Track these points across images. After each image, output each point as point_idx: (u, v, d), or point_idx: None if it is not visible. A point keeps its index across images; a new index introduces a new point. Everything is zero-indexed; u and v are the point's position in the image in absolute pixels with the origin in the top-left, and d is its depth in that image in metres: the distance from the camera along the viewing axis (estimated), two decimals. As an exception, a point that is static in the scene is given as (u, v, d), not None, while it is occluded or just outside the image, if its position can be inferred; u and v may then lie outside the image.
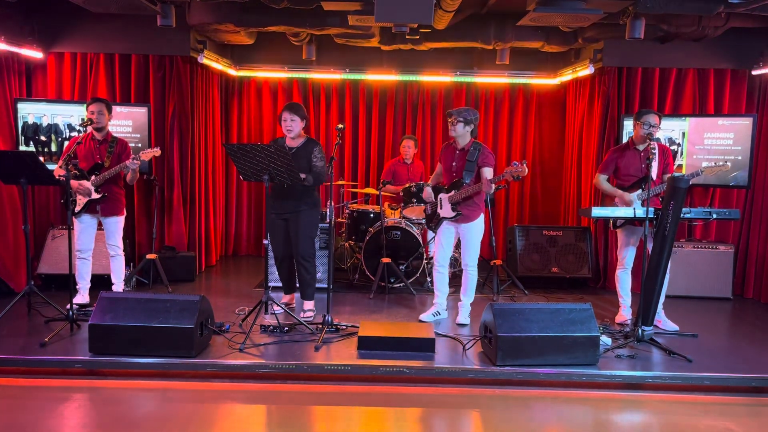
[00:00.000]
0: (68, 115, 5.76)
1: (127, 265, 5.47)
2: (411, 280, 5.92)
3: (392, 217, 6.07)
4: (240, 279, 6.40)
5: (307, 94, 7.52)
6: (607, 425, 3.49)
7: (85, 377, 3.86)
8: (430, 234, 6.07)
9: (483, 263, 5.72)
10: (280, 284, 5.13)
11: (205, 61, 6.17)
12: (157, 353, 3.92)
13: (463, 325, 4.82)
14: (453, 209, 4.77)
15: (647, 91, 6.15)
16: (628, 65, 6.11)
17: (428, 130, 7.63)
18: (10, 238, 5.43)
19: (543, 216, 7.68)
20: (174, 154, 6.16)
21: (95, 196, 4.84)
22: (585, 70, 6.32)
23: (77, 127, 5.68)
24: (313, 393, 3.79)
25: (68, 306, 4.35)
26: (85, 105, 4.92)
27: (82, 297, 5.00)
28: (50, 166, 4.80)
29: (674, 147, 5.91)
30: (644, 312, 4.41)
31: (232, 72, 7.22)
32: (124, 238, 5.22)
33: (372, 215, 6.21)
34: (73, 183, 4.78)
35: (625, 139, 5.68)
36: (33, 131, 5.72)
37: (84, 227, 4.93)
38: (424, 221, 5.51)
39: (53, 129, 5.76)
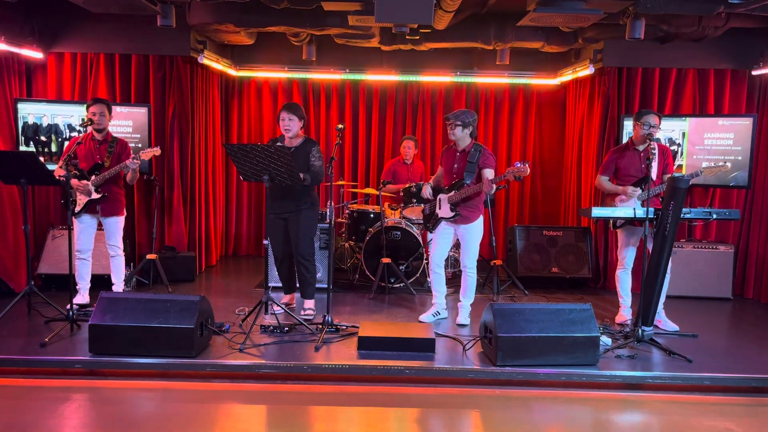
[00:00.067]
0: (68, 116, 5.76)
1: (127, 265, 5.47)
2: (411, 281, 5.93)
3: (392, 217, 6.07)
4: (240, 279, 6.40)
5: (307, 94, 7.52)
6: (607, 425, 3.49)
7: (85, 377, 3.87)
8: (430, 234, 6.06)
9: (483, 263, 5.73)
10: (280, 284, 5.13)
11: (205, 62, 6.17)
12: (157, 353, 3.92)
13: (463, 326, 4.82)
14: (452, 209, 4.77)
15: (647, 92, 6.15)
16: (628, 65, 6.12)
17: (428, 131, 7.63)
18: (10, 238, 5.43)
19: (543, 216, 7.68)
20: (174, 154, 6.16)
21: (95, 196, 4.85)
22: (585, 71, 6.32)
23: (77, 128, 5.68)
24: (313, 393, 3.79)
25: (68, 306, 4.35)
26: (86, 105, 4.92)
27: (82, 297, 5.00)
28: (50, 167, 4.80)
29: (674, 147, 5.91)
30: (644, 312, 4.41)
31: (232, 72, 7.22)
32: (124, 239, 5.22)
33: (372, 215, 6.21)
34: (74, 182, 4.78)
35: (625, 140, 5.68)
36: (33, 131, 5.73)
37: (84, 227, 4.93)
38: (422, 222, 5.51)
39: (53, 129, 5.76)
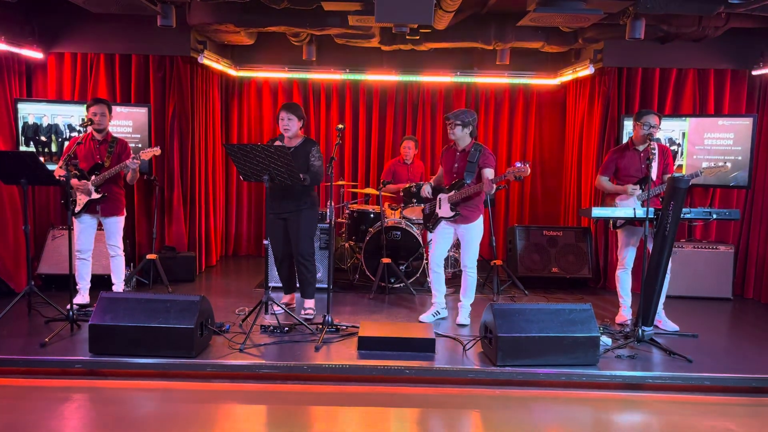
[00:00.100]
0: (68, 116, 5.76)
1: (128, 265, 5.47)
2: (411, 281, 5.93)
3: (392, 217, 6.07)
4: (240, 279, 6.40)
5: (308, 94, 7.52)
6: (608, 425, 3.49)
7: (85, 377, 3.87)
8: (430, 234, 6.06)
9: (483, 263, 5.73)
10: (280, 284, 5.13)
11: (206, 62, 6.17)
12: (157, 353, 3.92)
13: (463, 326, 4.82)
14: (452, 209, 4.77)
15: (647, 92, 6.15)
16: (628, 65, 6.12)
17: (428, 131, 7.63)
18: (10, 239, 5.43)
19: (543, 216, 7.68)
20: (174, 154, 6.16)
21: (95, 196, 4.85)
22: (585, 71, 6.32)
23: (77, 128, 5.68)
24: (313, 393, 3.79)
25: (68, 306, 4.35)
26: (86, 105, 4.92)
27: (82, 297, 5.00)
28: (50, 167, 4.80)
29: (674, 147, 5.91)
30: (644, 312, 4.41)
31: (233, 72, 7.22)
32: (124, 239, 5.22)
33: (372, 215, 6.21)
34: (74, 182, 4.78)
35: (625, 140, 5.68)
36: (33, 131, 5.73)
37: (84, 227, 4.93)
38: (422, 222, 5.51)
39: (53, 129, 5.76)
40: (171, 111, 6.12)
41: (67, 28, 5.93)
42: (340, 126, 4.58)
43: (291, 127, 4.68)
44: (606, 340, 4.33)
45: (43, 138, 5.74)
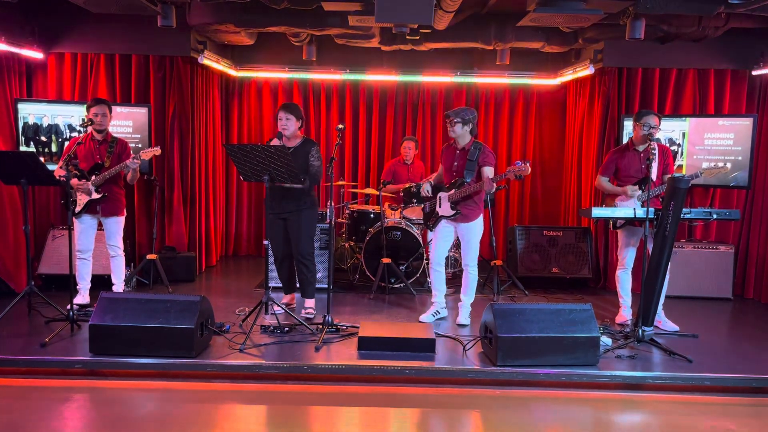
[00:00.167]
0: (69, 116, 5.76)
1: (128, 265, 5.47)
2: (411, 281, 5.92)
3: (392, 217, 6.07)
4: (240, 279, 6.40)
5: (308, 94, 7.52)
6: (608, 426, 3.49)
7: (85, 377, 3.87)
8: (430, 234, 6.06)
9: (483, 263, 5.73)
10: (281, 284, 5.13)
11: (206, 62, 6.17)
12: (157, 354, 3.92)
13: (463, 326, 4.82)
14: (452, 208, 4.77)
15: (647, 92, 6.15)
16: (628, 66, 6.11)
17: (428, 131, 7.63)
18: (10, 239, 5.43)
19: (543, 216, 7.68)
20: (174, 154, 6.16)
21: (95, 196, 4.85)
22: (585, 71, 6.32)
23: (77, 128, 5.68)
24: (314, 393, 3.79)
25: (68, 306, 4.35)
26: (86, 106, 4.92)
27: (82, 297, 5.00)
28: (51, 167, 4.80)
29: (674, 147, 5.91)
30: (644, 312, 4.41)
31: (233, 72, 7.22)
32: (125, 239, 5.22)
33: (372, 215, 6.21)
34: (74, 182, 4.78)
35: (625, 140, 5.68)
36: (33, 131, 5.73)
37: (84, 228, 4.94)
38: (423, 221, 5.51)
39: (54, 129, 5.76)
40: (171, 111, 6.12)
41: (67, 29, 5.93)
42: (340, 126, 4.58)
43: (289, 126, 4.68)
44: (606, 341, 4.33)
45: (43, 138, 5.75)
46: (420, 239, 5.91)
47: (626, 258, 4.89)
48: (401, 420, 3.49)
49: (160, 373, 3.89)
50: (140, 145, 5.79)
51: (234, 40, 6.49)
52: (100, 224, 5.04)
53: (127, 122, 5.86)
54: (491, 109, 7.61)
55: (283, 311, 4.83)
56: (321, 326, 4.45)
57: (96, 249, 5.07)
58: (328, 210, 4.48)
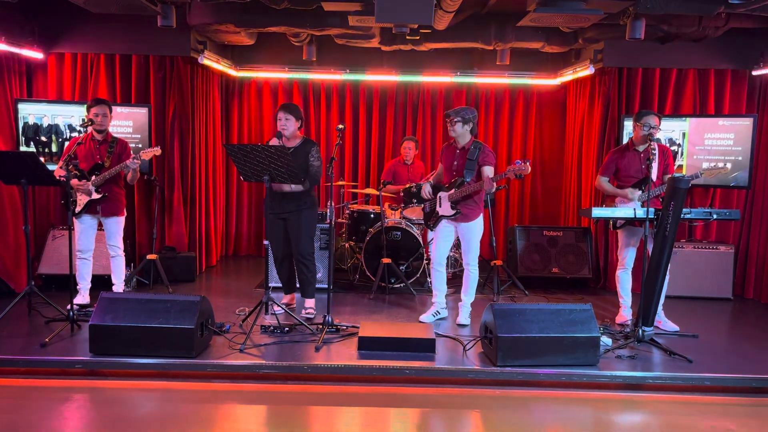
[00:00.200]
0: (69, 116, 5.76)
1: (128, 265, 5.47)
2: (411, 281, 5.92)
3: (392, 217, 6.08)
4: (240, 279, 6.40)
5: (308, 94, 7.52)
6: (608, 426, 3.49)
7: (85, 378, 3.87)
8: (430, 234, 6.06)
9: (483, 263, 5.72)
10: (281, 284, 5.13)
11: (206, 62, 6.17)
12: (157, 354, 3.92)
13: (463, 326, 4.82)
14: (452, 207, 4.77)
15: (647, 92, 6.15)
16: (628, 66, 6.11)
17: (428, 131, 7.63)
18: (10, 239, 5.43)
19: (543, 216, 7.68)
20: (174, 154, 6.16)
21: (96, 196, 4.85)
22: (585, 71, 6.32)
23: (78, 128, 5.68)
24: (314, 393, 3.79)
25: (68, 306, 4.35)
26: (87, 106, 4.92)
27: (82, 297, 5.00)
28: (51, 167, 4.80)
29: (674, 147, 5.91)
30: (644, 312, 4.41)
31: (233, 72, 7.22)
32: (125, 239, 5.22)
33: (372, 216, 6.21)
34: (74, 182, 4.78)
35: (625, 140, 5.68)
36: (33, 132, 5.73)
37: (84, 228, 4.94)
38: (423, 220, 5.51)
39: (54, 129, 5.76)
40: (171, 111, 6.12)
41: (67, 29, 5.93)
42: (341, 126, 4.59)
43: (288, 126, 4.69)
44: (606, 341, 4.33)
45: (43, 138, 5.75)
46: (420, 239, 5.91)
47: (626, 258, 4.89)
48: (401, 420, 3.49)
49: (160, 373, 3.89)
50: (140, 146, 5.79)
51: (234, 40, 6.50)
52: (100, 224, 5.04)
53: (127, 122, 5.86)
54: (491, 109, 7.61)
55: (283, 311, 4.83)
56: (321, 326, 4.45)
57: (96, 249, 5.07)
58: (328, 210, 4.49)
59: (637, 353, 4.21)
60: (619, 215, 4.61)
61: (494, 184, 4.60)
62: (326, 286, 4.79)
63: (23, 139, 5.70)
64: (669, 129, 5.88)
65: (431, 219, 5.00)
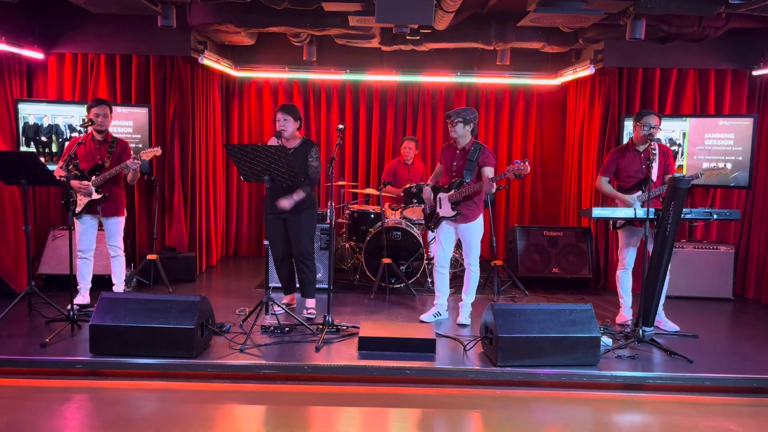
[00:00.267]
0: (69, 116, 5.76)
1: (128, 265, 5.47)
2: (411, 281, 5.92)
3: (393, 217, 6.07)
4: (240, 279, 6.40)
5: (308, 94, 7.52)
6: (608, 426, 3.49)
7: (85, 378, 3.87)
8: (430, 234, 6.07)
9: (483, 263, 5.72)
10: (281, 285, 5.13)
11: (206, 62, 6.17)
12: (157, 354, 3.92)
13: (463, 326, 4.82)
14: (453, 208, 4.77)
15: (648, 92, 6.15)
16: (628, 66, 6.11)
17: (428, 131, 7.63)
18: (10, 239, 5.43)
19: (543, 216, 7.68)
20: (174, 154, 6.16)
21: (96, 196, 4.85)
22: (585, 71, 6.32)
23: (78, 128, 5.68)
24: (314, 393, 3.79)
25: (69, 306, 4.36)
26: (87, 106, 4.92)
27: (82, 297, 5.00)
28: (51, 167, 4.80)
29: (675, 147, 5.91)
30: (645, 312, 4.40)
31: (233, 72, 7.22)
32: (125, 239, 5.22)
33: (372, 216, 6.21)
34: (74, 182, 4.78)
35: (625, 140, 5.68)
36: (34, 132, 5.73)
37: (85, 228, 4.94)
38: (423, 221, 5.51)
39: (54, 129, 5.76)
40: (171, 111, 6.12)
41: (67, 29, 5.93)
42: (341, 126, 4.59)
43: (287, 127, 4.69)
44: (606, 341, 4.33)
45: (43, 138, 5.75)
46: (420, 239, 5.91)
47: (626, 258, 4.89)
48: (401, 420, 3.49)
49: (160, 374, 3.89)
50: (140, 146, 5.79)
51: (234, 40, 6.49)
52: (100, 224, 5.04)
53: (127, 122, 5.86)
54: (491, 110, 7.61)
55: (283, 311, 4.83)
56: (321, 326, 4.45)
57: (96, 249, 5.07)
58: (328, 210, 4.49)
59: (638, 353, 4.21)
60: (620, 215, 4.61)
61: (494, 184, 4.60)
62: (326, 286, 4.79)
63: (23, 139, 5.70)
64: (669, 129, 5.88)
65: (432, 220, 4.99)
